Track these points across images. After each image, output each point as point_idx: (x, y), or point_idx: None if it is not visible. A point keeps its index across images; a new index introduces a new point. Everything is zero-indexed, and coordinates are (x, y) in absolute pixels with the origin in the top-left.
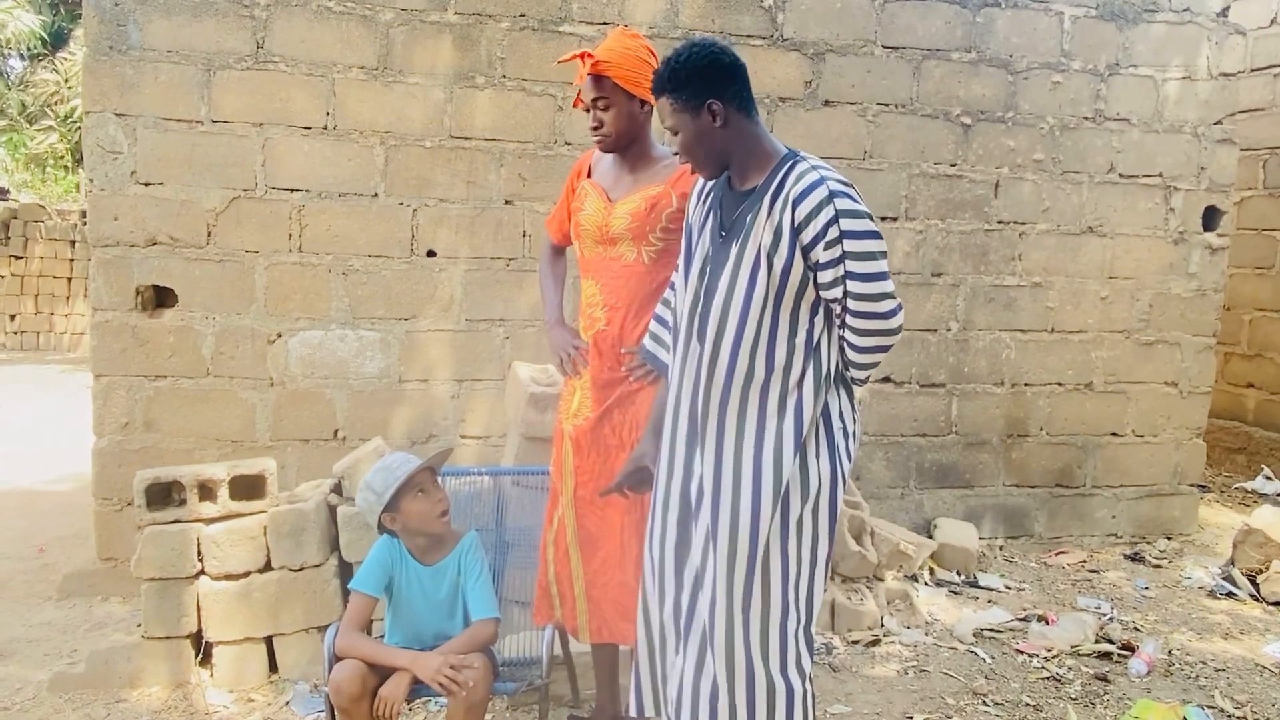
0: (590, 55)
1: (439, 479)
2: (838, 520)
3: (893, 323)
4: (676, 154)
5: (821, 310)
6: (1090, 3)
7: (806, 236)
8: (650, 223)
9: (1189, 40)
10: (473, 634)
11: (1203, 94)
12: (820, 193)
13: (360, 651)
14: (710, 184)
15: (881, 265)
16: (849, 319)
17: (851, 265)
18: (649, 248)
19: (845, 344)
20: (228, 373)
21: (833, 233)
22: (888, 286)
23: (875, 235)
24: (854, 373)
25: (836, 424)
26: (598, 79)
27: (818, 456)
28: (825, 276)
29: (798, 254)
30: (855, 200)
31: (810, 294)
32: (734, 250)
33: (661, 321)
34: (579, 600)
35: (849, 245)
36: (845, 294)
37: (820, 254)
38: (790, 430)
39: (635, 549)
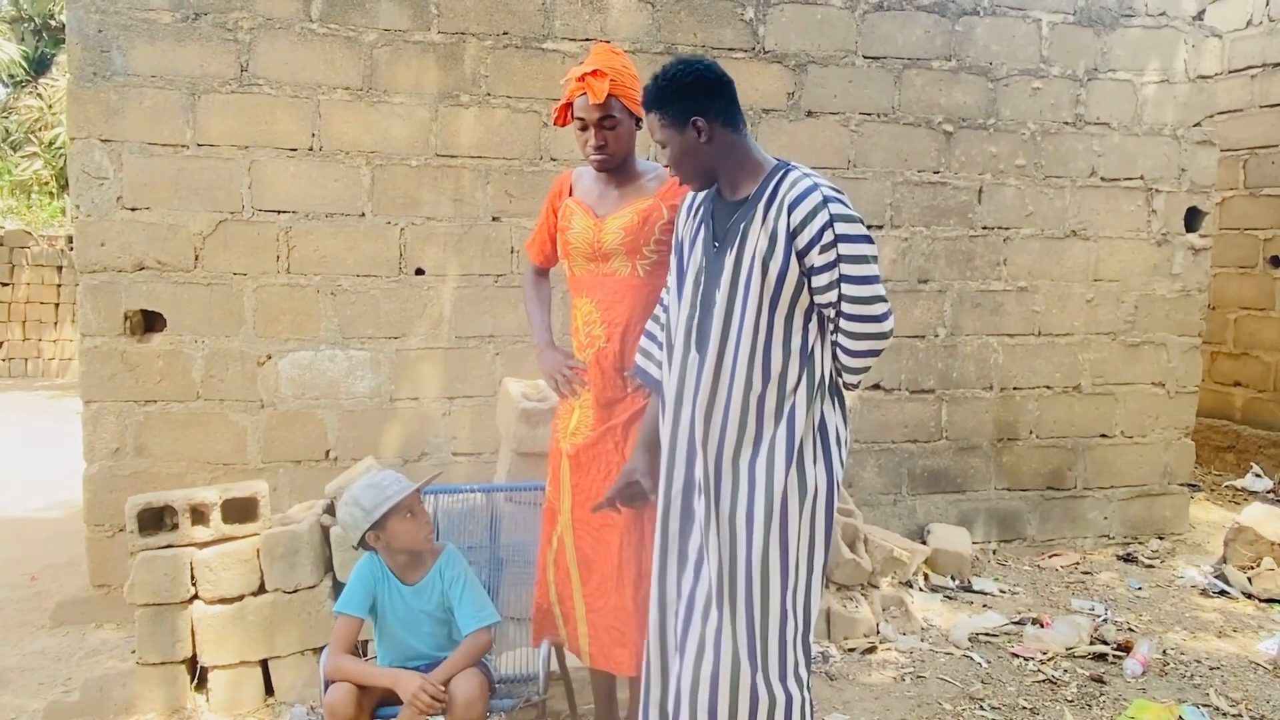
0: (603, 73)
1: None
2: (831, 525)
3: (884, 325)
4: (667, 167)
5: (815, 317)
6: (1068, 9)
7: (802, 241)
8: (644, 236)
9: (1166, 44)
10: (468, 648)
11: (1181, 96)
12: (815, 198)
13: (348, 673)
14: (700, 197)
15: (874, 269)
16: (842, 323)
17: (846, 269)
18: (643, 261)
19: (838, 348)
20: (218, 395)
21: (828, 236)
22: (880, 290)
23: (868, 239)
24: (847, 377)
25: (832, 432)
26: (606, 99)
27: (815, 463)
28: (821, 280)
29: (793, 259)
30: (847, 206)
31: (805, 300)
32: (729, 260)
33: (651, 338)
34: (579, 623)
35: (844, 249)
36: (840, 297)
37: (816, 258)
38: (784, 438)
39: (634, 571)
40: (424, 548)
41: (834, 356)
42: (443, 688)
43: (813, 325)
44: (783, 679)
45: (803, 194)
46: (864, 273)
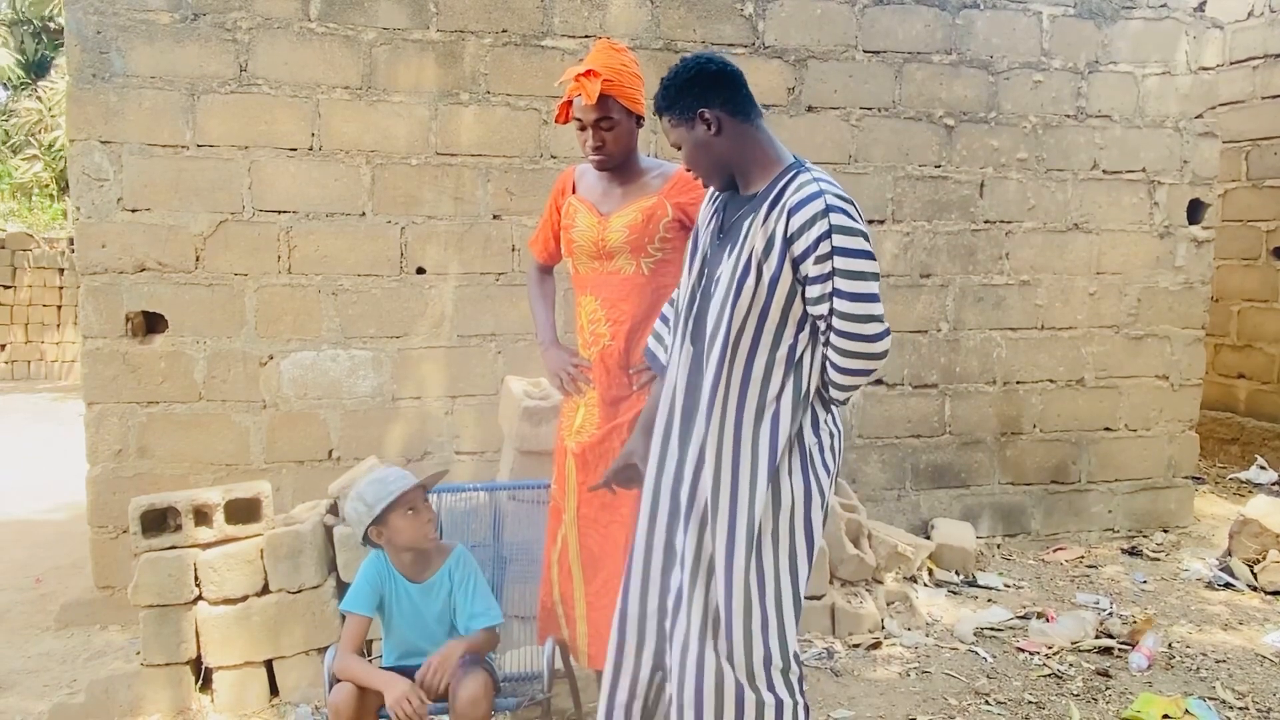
0: (596, 74)
1: (429, 498)
2: (816, 536)
3: (877, 346)
4: (688, 169)
5: (807, 326)
6: (1068, 1)
7: (798, 248)
8: (648, 234)
9: (1167, 36)
10: (473, 640)
11: (1183, 88)
12: (817, 205)
13: (351, 673)
14: None
15: (871, 287)
16: (833, 338)
17: (840, 283)
18: (647, 259)
19: (828, 363)
20: (220, 396)
21: (824, 248)
22: (875, 309)
23: (868, 255)
24: (834, 393)
25: (810, 440)
26: (602, 99)
27: (790, 474)
28: (813, 291)
29: (787, 265)
30: (852, 219)
31: (797, 308)
32: (727, 254)
33: (665, 321)
34: (579, 623)
35: (839, 262)
36: (831, 311)
37: (810, 268)
38: (766, 446)
39: None
40: (425, 546)
41: (823, 370)
42: (426, 699)
43: (804, 334)
44: (769, 683)
45: (805, 199)
46: (858, 290)
